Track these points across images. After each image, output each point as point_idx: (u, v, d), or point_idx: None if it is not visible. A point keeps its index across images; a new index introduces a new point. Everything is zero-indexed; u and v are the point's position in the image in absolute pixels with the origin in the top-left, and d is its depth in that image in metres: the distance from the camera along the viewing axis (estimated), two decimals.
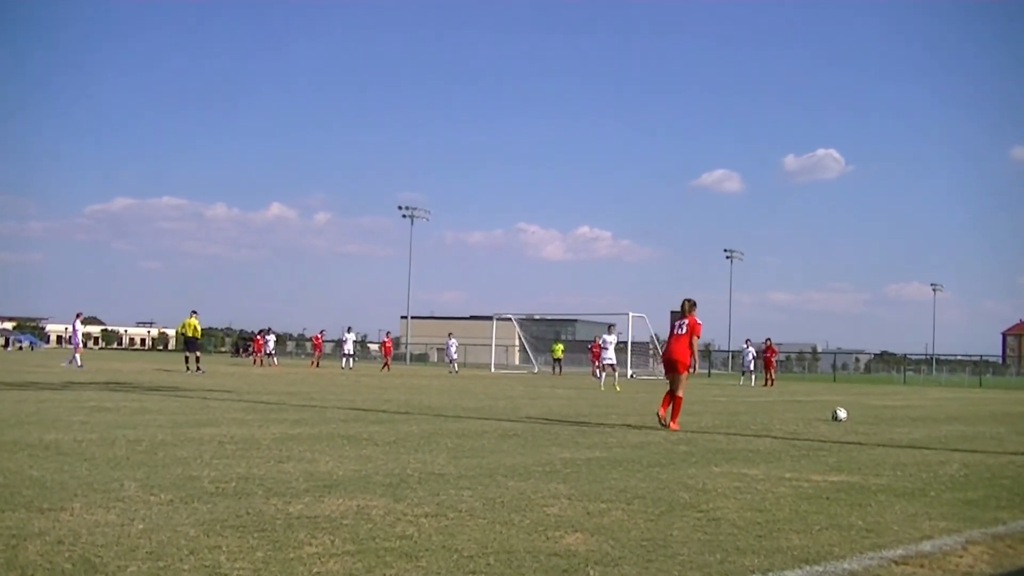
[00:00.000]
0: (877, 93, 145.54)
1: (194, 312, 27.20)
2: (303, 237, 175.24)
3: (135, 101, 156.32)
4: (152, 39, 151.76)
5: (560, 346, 44.39)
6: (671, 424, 11.13)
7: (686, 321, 11.46)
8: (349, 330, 40.59)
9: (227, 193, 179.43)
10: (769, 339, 34.64)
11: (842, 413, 13.59)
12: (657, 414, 11.39)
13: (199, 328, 27.49)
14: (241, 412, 11.59)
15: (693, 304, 11.55)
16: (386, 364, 40.30)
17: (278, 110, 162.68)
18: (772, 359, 34.41)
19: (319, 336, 43.59)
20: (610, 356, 24.10)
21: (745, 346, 35.29)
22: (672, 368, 11.44)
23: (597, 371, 38.73)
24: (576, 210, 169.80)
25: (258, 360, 39.12)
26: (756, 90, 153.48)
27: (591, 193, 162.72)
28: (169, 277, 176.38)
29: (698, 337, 11.50)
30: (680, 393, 11.31)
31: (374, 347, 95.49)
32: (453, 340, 41.16)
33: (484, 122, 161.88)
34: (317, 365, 39.57)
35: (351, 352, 40.41)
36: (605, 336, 24.55)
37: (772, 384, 33.19)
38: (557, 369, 42.57)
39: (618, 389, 23.69)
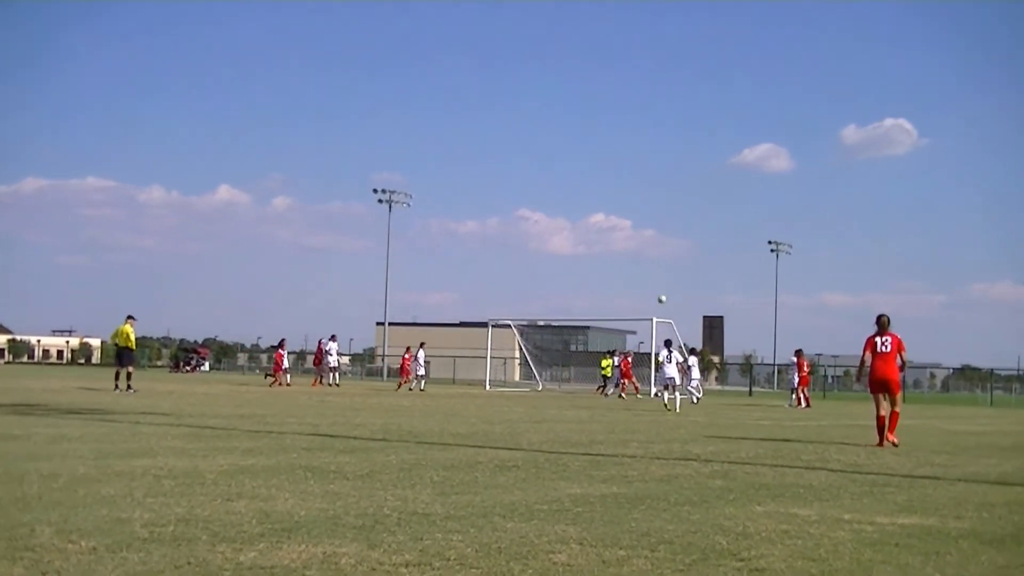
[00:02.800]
0: (957, 51, 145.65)
1: (130, 318, 27.08)
2: (258, 227, 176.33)
3: (50, 62, 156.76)
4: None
5: (609, 361, 42.71)
6: (890, 436, 13.63)
7: (889, 339, 13.66)
8: (333, 339, 40.36)
9: (165, 173, 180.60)
10: (799, 350, 34.37)
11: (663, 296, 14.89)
12: (887, 440, 13.59)
13: (133, 337, 27.36)
14: (181, 440, 11.59)
15: (889, 319, 13.90)
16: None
17: (227, 76, 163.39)
18: (805, 374, 34.10)
19: (281, 352, 42.26)
20: (672, 374, 25.67)
21: (794, 359, 35.25)
22: (886, 388, 13.68)
23: (619, 389, 38.93)
24: (588, 194, 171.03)
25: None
26: (808, 48, 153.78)
27: (606, 174, 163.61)
28: (93, 275, 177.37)
29: (904, 353, 13.79)
30: (898, 408, 13.82)
31: (345, 360, 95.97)
32: (422, 351, 40.91)
33: (476, 91, 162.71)
34: (280, 384, 38.81)
35: (336, 365, 40.21)
36: (663, 351, 26.32)
37: (807, 405, 32.86)
38: (611, 389, 40.69)
39: (678, 411, 24.55)
